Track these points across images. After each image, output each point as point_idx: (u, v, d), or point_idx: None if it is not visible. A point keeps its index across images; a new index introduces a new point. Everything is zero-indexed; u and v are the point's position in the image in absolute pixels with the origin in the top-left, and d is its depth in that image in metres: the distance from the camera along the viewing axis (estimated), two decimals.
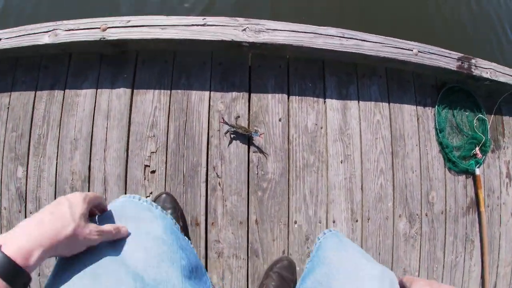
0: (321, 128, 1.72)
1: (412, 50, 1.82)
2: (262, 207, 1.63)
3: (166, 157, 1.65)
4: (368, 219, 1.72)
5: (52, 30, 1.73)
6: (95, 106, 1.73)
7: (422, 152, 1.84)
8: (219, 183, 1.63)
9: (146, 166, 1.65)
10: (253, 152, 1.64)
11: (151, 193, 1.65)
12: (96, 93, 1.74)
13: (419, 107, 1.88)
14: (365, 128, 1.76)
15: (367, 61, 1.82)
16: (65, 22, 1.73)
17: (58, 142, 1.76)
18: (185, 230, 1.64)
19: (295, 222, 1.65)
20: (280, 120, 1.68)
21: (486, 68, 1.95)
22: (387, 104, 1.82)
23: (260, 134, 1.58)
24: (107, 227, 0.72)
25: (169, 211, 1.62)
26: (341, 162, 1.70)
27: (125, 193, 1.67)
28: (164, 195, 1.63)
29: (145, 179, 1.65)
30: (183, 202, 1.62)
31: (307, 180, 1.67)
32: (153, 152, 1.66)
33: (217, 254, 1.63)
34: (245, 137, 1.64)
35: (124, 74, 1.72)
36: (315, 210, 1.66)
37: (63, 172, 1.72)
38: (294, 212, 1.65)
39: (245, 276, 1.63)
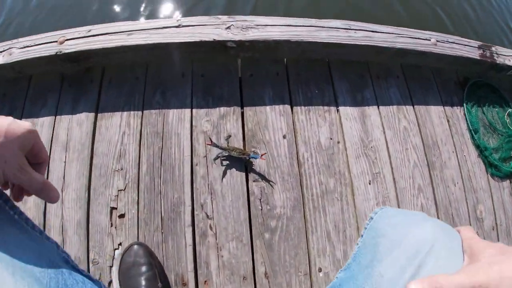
0: (338, 142, 1.01)
1: (430, 40, 1.14)
2: (272, 254, 0.90)
3: (138, 195, 0.94)
4: None
5: (7, 49, 1.07)
6: (52, 136, 1.04)
7: (460, 160, 1.13)
8: (210, 227, 0.90)
9: (112, 208, 0.94)
10: (254, 181, 0.93)
11: (120, 244, 0.92)
12: (55, 120, 1.06)
13: (446, 108, 1.19)
14: (392, 138, 1.05)
15: (380, 58, 1.15)
16: (21, 39, 1.06)
17: None
18: None
19: (320, 270, 0.91)
20: (284, 137, 0.98)
21: (507, 56, 1.28)
22: (411, 107, 1.13)
23: (262, 155, 0.88)
24: (40, 176, 0.47)
25: (144, 267, 0.88)
26: (369, 183, 0.98)
27: (88, 244, 0.95)
28: (135, 247, 0.91)
29: (111, 225, 0.93)
30: (163, 255, 0.90)
31: (329, 212, 0.95)
32: (121, 190, 0.95)
33: None
34: (241, 162, 0.92)
35: (87, 95, 1.04)
36: (344, 250, 0.92)
37: None
38: (317, 256, 0.91)
39: None
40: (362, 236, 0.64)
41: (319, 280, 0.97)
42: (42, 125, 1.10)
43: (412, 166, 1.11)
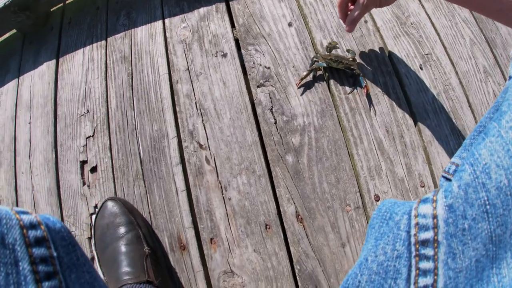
0: (366, 22, 0.48)
1: None
2: (302, 185, 0.37)
3: (110, 138, 0.44)
4: None
5: None
6: (16, 100, 0.56)
7: None
8: (206, 160, 0.39)
9: (82, 162, 0.45)
10: (258, 86, 0.40)
11: (95, 206, 0.43)
12: (18, 82, 0.58)
13: None
14: (434, 11, 0.52)
15: None
16: None
17: None
18: (160, 261, 0.37)
19: (377, 198, 0.36)
20: (290, 24, 0.46)
21: None
22: None
23: (365, 87, 0.39)
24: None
25: (122, 229, 0.35)
26: (421, 68, 0.44)
27: (61, 214, 0.46)
28: (109, 204, 0.40)
29: (84, 184, 0.44)
30: (150, 210, 0.39)
31: (375, 112, 0.40)
32: (90, 137, 0.46)
33: None
34: (234, 65, 0.41)
35: (48, 45, 0.57)
36: (407, 164, 0.38)
37: None
38: (370, 179, 0.38)
39: None
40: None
41: None
42: (6, 92, 0.65)
43: (469, 43, 0.57)
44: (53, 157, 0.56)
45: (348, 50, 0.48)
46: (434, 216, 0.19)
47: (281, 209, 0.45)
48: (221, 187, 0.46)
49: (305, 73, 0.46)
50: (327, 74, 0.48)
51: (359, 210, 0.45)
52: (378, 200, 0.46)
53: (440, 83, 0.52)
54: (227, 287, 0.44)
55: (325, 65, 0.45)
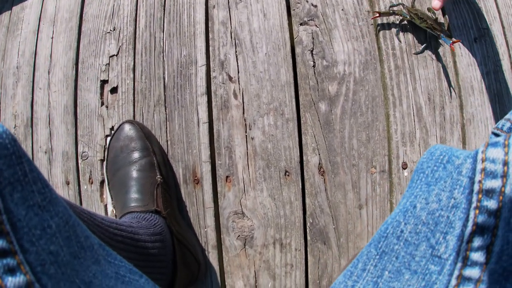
0: None
1: None
2: (331, 137, 0.29)
3: (134, 59, 0.36)
4: None
5: None
6: (40, 14, 0.45)
7: None
8: (234, 93, 0.31)
9: (103, 82, 0.36)
10: (301, 24, 0.31)
11: (112, 128, 0.35)
12: None
13: None
14: None
15: None
16: None
17: (2, 77, 0.48)
18: (171, 192, 0.31)
19: (404, 166, 0.30)
20: None
21: None
22: None
23: (453, 43, 0.28)
24: None
25: (136, 154, 0.28)
26: (475, 41, 0.35)
27: (76, 133, 0.37)
28: (126, 127, 0.31)
29: (102, 104, 0.36)
30: (167, 138, 0.32)
31: (420, 76, 0.33)
32: (113, 56, 0.37)
33: (242, 241, 0.29)
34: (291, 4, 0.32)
35: None
36: (442, 137, 0.31)
37: (6, 118, 0.45)
38: (401, 144, 0.30)
39: (302, 283, 0.29)
40: None
41: (402, 182, 0.38)
42: (30, 6, 0.56)
43: None
44: (73, 74, 0.48)
45: (429, 9, 0.39)
46: (505, 163, 0.15)
47: (304, 157, 0.39)
48: (245, 124, 0.39)
49: (385, 10, 0.37)
50: (398, 29, 0.39)
51: (384, 174, 0.39)
52: (405, 168, 0.39)
53: (492, 62, 0.44)
54: (235, 228, 0.39)
55: (408, 17, 0.36)
